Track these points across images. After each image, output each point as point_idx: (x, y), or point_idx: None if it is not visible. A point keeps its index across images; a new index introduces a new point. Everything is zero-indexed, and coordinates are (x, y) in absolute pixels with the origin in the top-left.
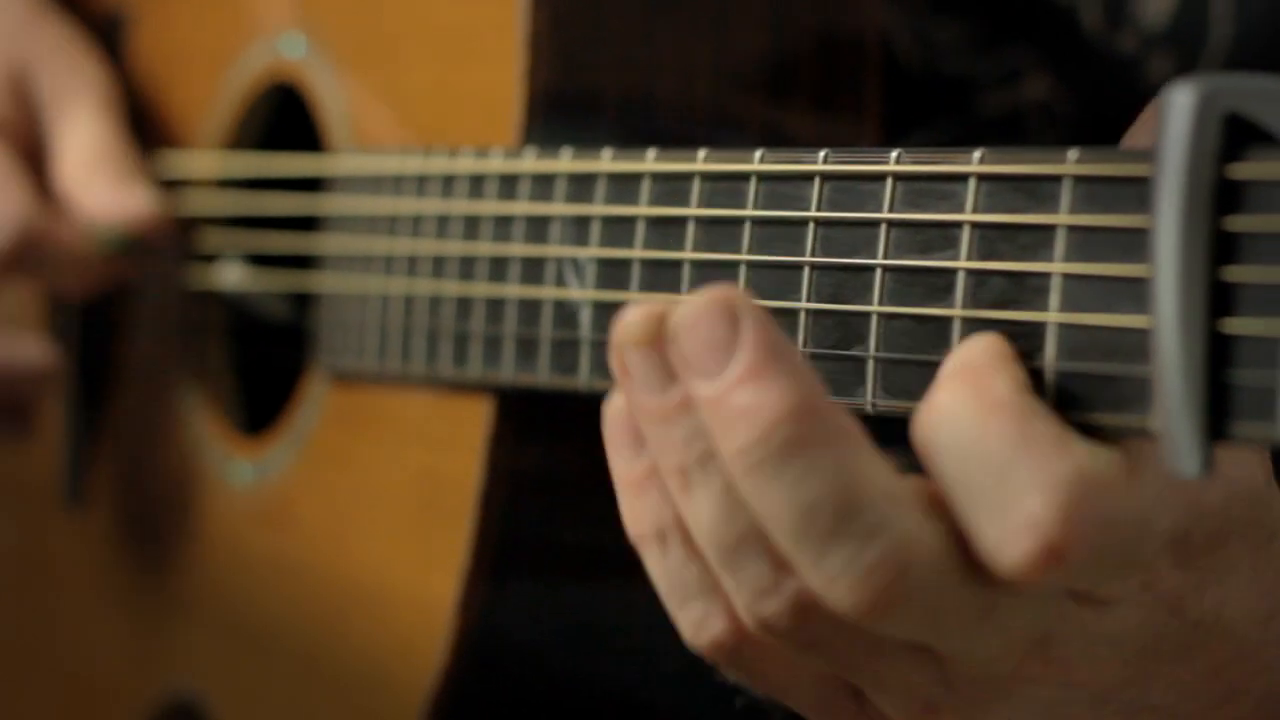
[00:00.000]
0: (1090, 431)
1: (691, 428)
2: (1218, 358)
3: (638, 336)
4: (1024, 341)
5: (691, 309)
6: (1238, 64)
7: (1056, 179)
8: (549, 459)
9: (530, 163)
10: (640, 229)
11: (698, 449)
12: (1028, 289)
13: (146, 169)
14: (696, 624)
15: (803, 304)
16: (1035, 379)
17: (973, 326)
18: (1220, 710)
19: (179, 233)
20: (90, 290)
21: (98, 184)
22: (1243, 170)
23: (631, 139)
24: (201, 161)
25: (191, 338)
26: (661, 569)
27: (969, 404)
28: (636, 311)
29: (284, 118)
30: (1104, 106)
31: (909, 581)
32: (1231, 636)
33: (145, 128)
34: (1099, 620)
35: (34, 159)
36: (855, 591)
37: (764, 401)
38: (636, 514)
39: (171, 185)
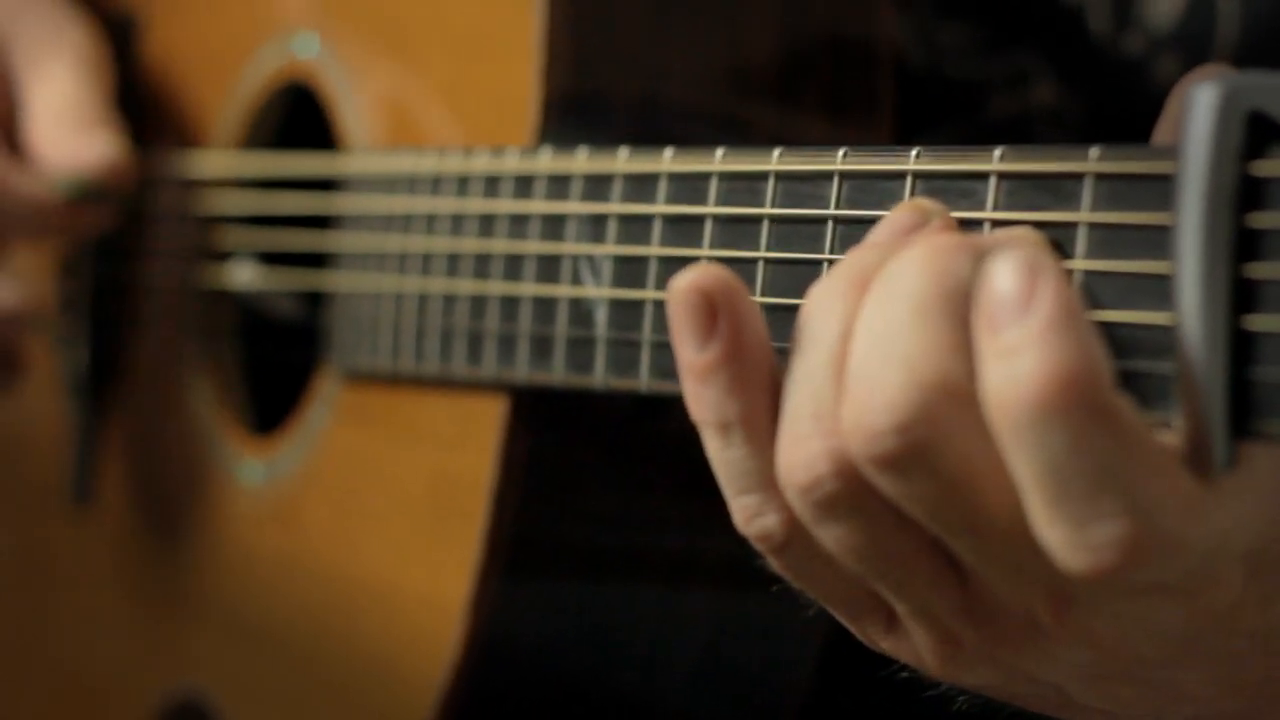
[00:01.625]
0: None
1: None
2: (1241, 355)
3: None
4: None
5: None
6: (1245, 65)
7: (1078, 176)
8: (563, 458)
9: (546, 162)
10: (657, 227)
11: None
12: None
13: (115, 119)
14: (750, 513)
15: None
16: None
17: None
18: (1265, 714)
19: (163, 205)
20: (59, 239)
21: (60, 133)
22: (1265, 168)
23: (645, 139)
24: (215, 161)
25: (203, 336)
26: (721, 458)
27: (1076, 408)
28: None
29: (298, 117)
30: (1111, 108)
31: (921, 430)
32: None
33: (159, 127)
34: (1137, 604)
35: (8, 120)
36: (871, 399)
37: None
38: (701, 400)
39: (185, 185)
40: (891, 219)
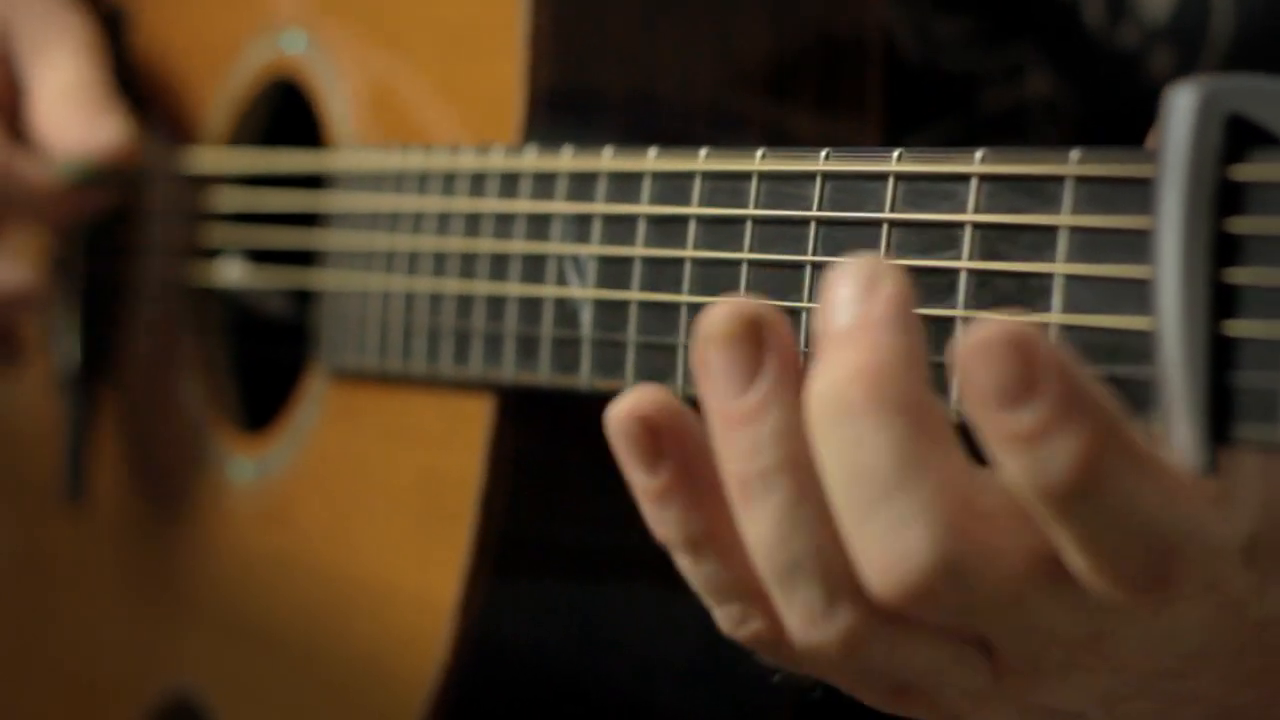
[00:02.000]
0: None
1: (761, 436)
2: (1220, 360)
3: (723, 331)
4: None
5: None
6: (1239, 58)
7: (1059, 179)
8: (550, 458)
9: (531, 160)
10: (641, 227)
11: (766, 459)
12: (1030, 289)
13: (119, 102)
14: (736, 620)
15: (805, 303)
16: None
17: None
18: (1269, 709)
19: (153, 201)
20: (63, 223)
21: (65, 116)
22: (1245, 172)
23: (633, 137)
24: (203, 157)
25: (193, 334)
26: (696, 575)
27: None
28: (724, 306)
29: (286, 113)
30: (1106, 101)
31: (954, 578)
32: None
33: (147, 123)
34: (1157, 615)
35: (12, 106)
36: (886, 568)
37: (849, 359)
38: (664, 523)
39: (173, 181)
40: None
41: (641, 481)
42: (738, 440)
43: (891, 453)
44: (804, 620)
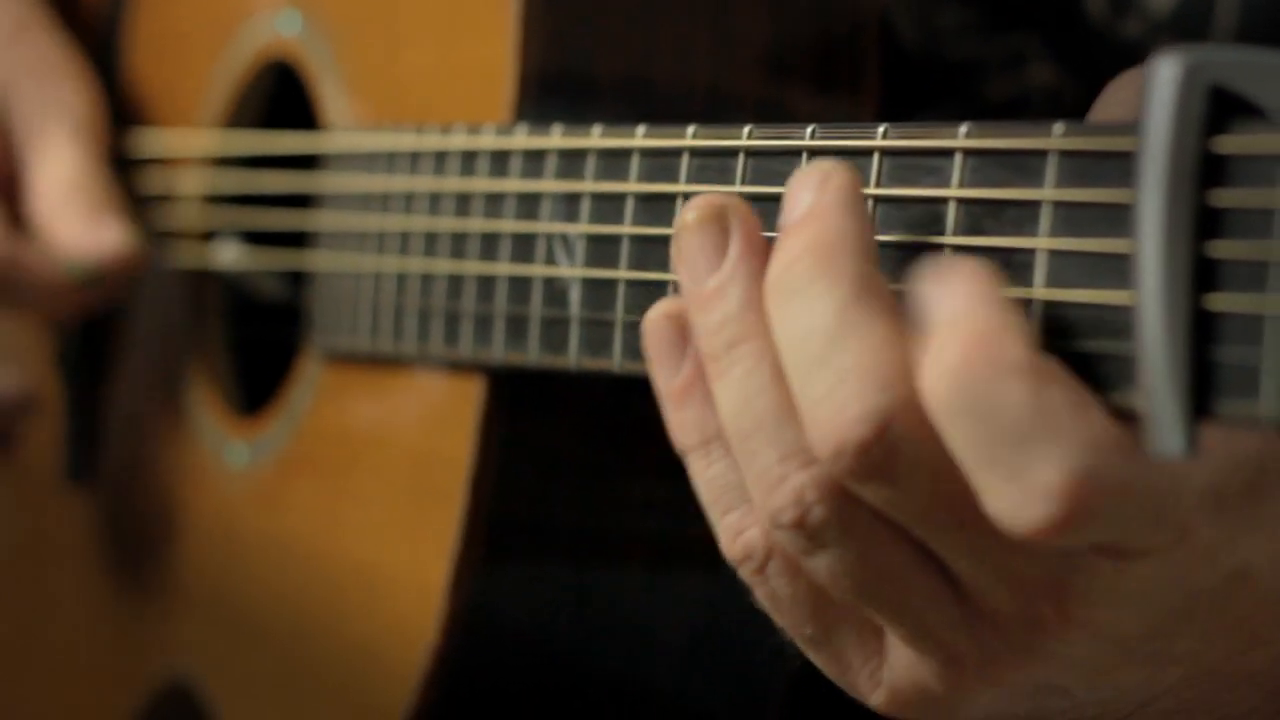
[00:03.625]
0: None
1: (727, 311)
2: (1201, 334)
3: (694, 219)
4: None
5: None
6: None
7: (1042, 153)
8: (541, 439)
9: (521, 139)
10: (629, 205)
11: (730, 332)
12: (1013, 265)
13: (120, 200)
14: (733, 531)
15: None
16: None
17: None
18: (1242, 659)
19: (153, 263)
20: (65, 318)
21: (70, 216)
22: (1228, 144)
23: (626, 118)
24: (199, 139)
25: (190, 316)
26: (705, 478)
27: (983, 368)
28: (695, 199)
29: (283, 95)
30: None
31: (886, 433)
32: (1258, 586)
33: (144, 105)
34: (1124, 572)
35: (7, 184)
36: (822, 428)
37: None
38: (681, 425)
39: (170, 163)
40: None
41: (665, 382)
42: (707, 317)
43: (832, 315)
44: (762, 488)
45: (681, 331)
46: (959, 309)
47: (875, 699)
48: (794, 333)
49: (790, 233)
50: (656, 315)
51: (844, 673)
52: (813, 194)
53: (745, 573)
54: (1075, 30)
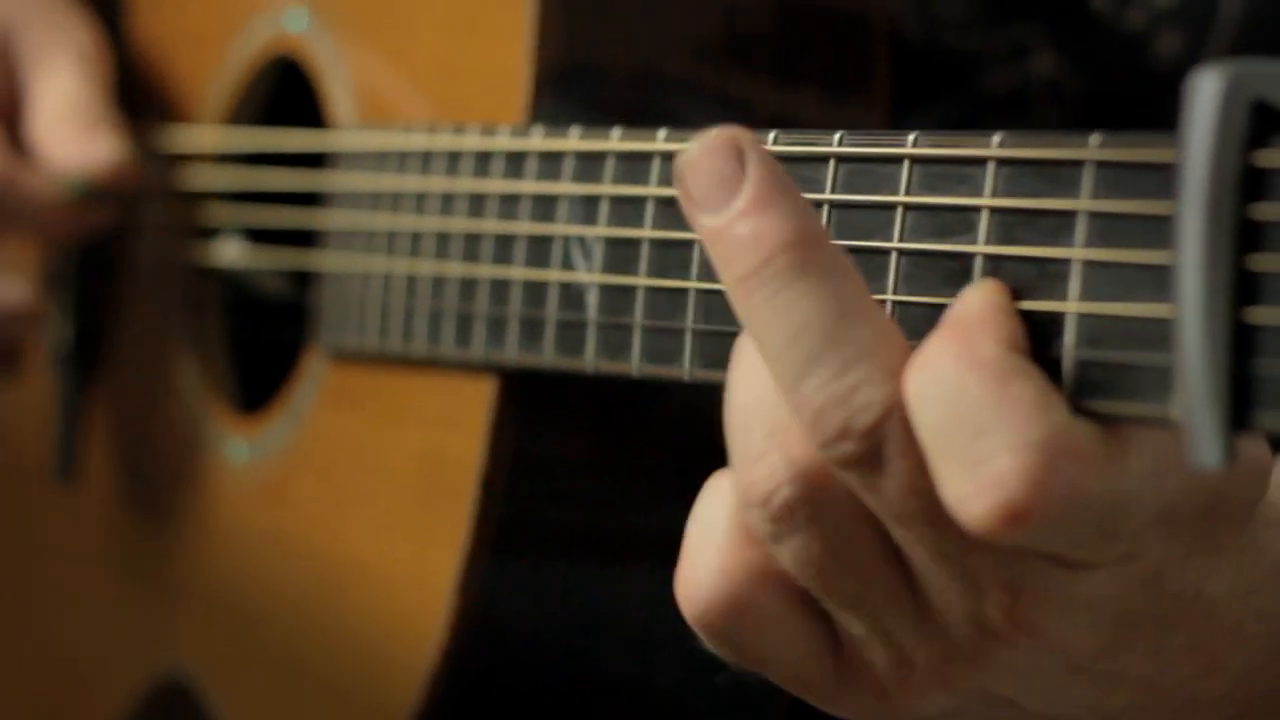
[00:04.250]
0: (1108, 420)
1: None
2: (1241, 347)
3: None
4: (1043, 328)
5: (697, 146)
6: (1247, 40)
7: (1078, 164)
8: (552, 440)
9: (538, 141)
10: (650, 209)
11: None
12: (1047, 275)
13: (118, 119)
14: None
15: None
16: (1053, 367)
17: None
18: (1199, 684)
19: (150, 181)
20: (62, 237)
21: (65, 132)
22: (1269, 158)
23: (638, 117)
24: (204, 136)
25: (190, 313)
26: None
27: (953, 358)
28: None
29: (287, 92)
30: (1112, 83)
31: (884, 425)
32: (1212, 610)
33: (148, 102)
34: (1074, 583)
35: (12, 115)
36: (827, 414)
37: (765, 230)
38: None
39: (173, 159)
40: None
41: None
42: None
43: (831, 306)
44: (743, 462)
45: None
46: (952, 311)
47: (841, 704)
48: (784, 329)
49: (741, 223)
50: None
51: (804, 683)
52: (738, 177)
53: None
54: (1078, 21)
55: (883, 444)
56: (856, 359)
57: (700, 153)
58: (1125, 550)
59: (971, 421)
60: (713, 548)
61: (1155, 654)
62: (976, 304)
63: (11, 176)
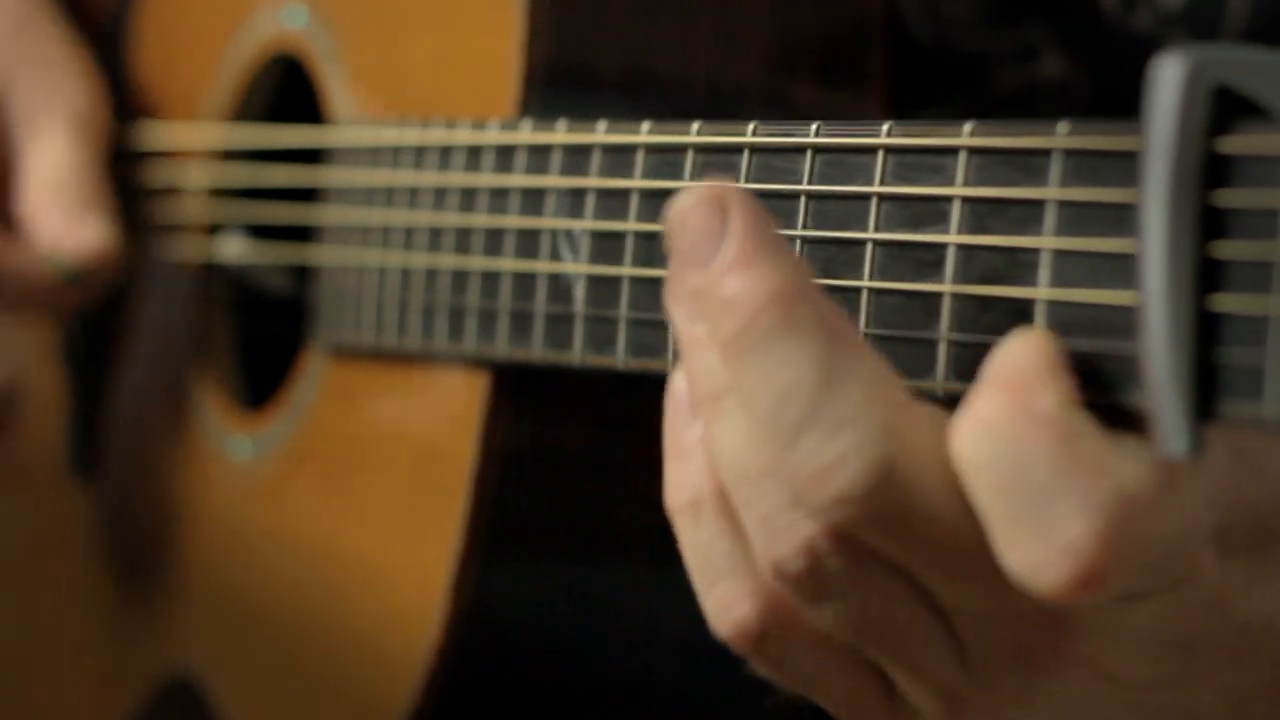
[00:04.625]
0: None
1: (709, 365)
2: (1206, 335)
3: (688, 205)
4: (1013, 317)
5: (682, 201)
6: (1254, 42)
7: (1046, 153)
8: (545, 435)
9: (526, 134)
10: (634, 201)
11: (714, 385)
12: (1018, 264)
13: (108, 199)
14: (723, 606)
15: None
16: None
17: (962, 302)
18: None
19: (151, 245)
20: (47, 316)
21: (53, 212)
22: (1232, 144)
23: (631, 112)
24: (204, 133)
25: (194, 310)
26: (693, 543)
27: (1013, 420)
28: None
29: (289, 88)
30: (1120, 85)
31: (891, 479)
32: None
33: (150, 98)
34: (1125, 613)
35: (3, 183)
36: (824, 478)
37: (750, 288)
38: (677, 482)
39: (174, 156)
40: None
41: (675, 437)
42: (698, 362)
43: (812, 367)
44: (765, 534)
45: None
46: (1003, 363)
47: None
48: (773, 391)
49: (726, 280)
50: (683, 206)
51: (859, 714)
52: (721, 233)
53: (740, 648)
54: (1086, 22)
55: (903, 503)
56: (849, 420)
57: (685, 207)
58: (1179, 575)
59: (1038, 484)
60: (741, 567)
61: (1229, 689)
62: (1029, 357)
63: (4, 258)
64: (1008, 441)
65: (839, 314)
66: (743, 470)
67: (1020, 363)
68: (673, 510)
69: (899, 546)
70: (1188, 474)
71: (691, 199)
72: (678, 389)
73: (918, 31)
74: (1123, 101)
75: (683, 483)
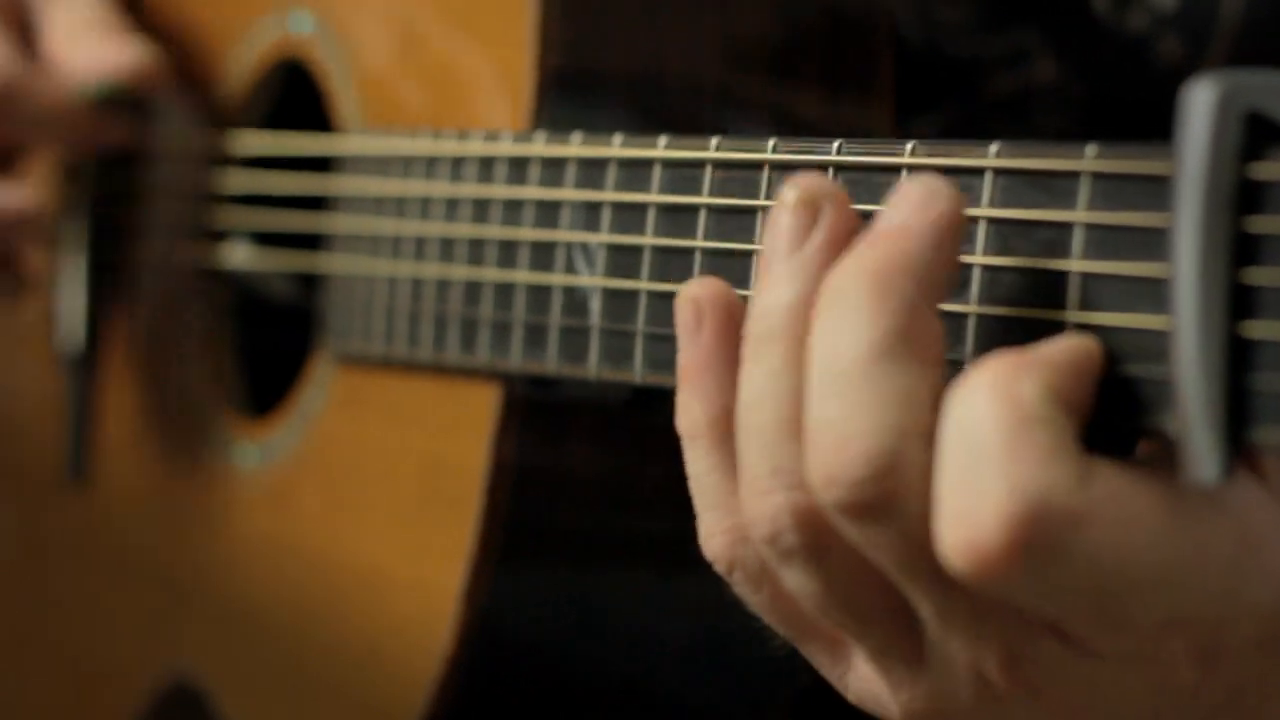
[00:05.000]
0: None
1: (780, 300)
2: (1238, 361)
3: (790, 198)
4: (1039, 340)
5: (684, 289)
6: (1247, 45)
7: (1074, 175)
8: (555, 446)
9: (540, 146)
10: (651, 215)
11: (771, 322)
12: (1045, 286)
13: (134, 28)
14: (705, 534)
15: None
16: None
17: (987, 323)
18: None
19: (170, 89)
20: (79, 145)
21: (86, 41)
22: (1264, 170)
23: (642, 121)
24: (210, 139)
25: (199, 316)
26: (693, 468)
27: (989, 387)
28: (801, 177)
29: (294, 94)
30: (1112, 87)
31: (884, 479)
32: None
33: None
34: (1081, 664)
35: (29, 40)
36: (826, 448)
37: (687, 403)
38: (681, 408)
39: (180, 162)
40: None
41: (687, 354)
42: (763, 298)
43: (867, 342)
44: (748, 490)
45: (699, 316)
46: (1038, 345)
47: (848, 697)
48: (826, 346)
49: (869, 243)
50: (685, 293)
51: (820, 668)
52: (908, 212)
53: (717, 567)
54: (1078, 25)
55: (885, 500)
56: (873, 405)
57: (681, 296)
58: (1138, 648)
59: (981, 454)
60: (725, 503)
61: None
62: (1057, 347)
63: (28, 82)
64: (974, 407)
65: (931, 317)
66: (751, 418)
67: (1046, 348)
68: (680, 431)
69: (877, 542)
70: (1165, 545)
71: (685, 291)
72: (694, 297)
73: (908, 36)
74: (1116, 103)
75: (682, 409)
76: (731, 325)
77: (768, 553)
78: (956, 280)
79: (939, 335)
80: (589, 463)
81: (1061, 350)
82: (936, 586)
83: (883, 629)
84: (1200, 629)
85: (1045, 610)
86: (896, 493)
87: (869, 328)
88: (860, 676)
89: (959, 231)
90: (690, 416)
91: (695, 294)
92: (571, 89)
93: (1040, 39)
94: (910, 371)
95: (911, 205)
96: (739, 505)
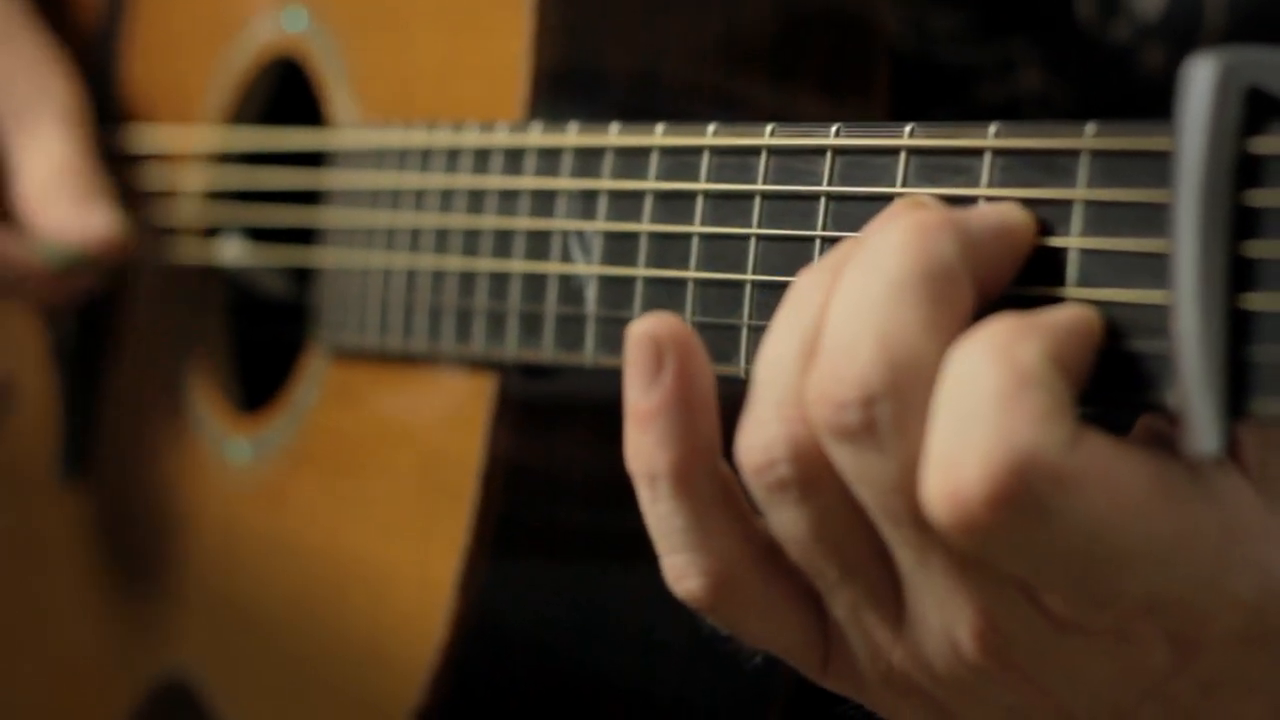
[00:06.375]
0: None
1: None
2: (1238, 334)
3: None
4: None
5: (637, 326)
6: None
7: (1074, 153)
8: (551, 438)
9: (536, 137)
10: (648, 203)
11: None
12: (1045, 264)
13: (109, 188)
14: (676, 576)
15: None
16: None
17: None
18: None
19: (141, 251)
20: (50, 305)
21: (57, 203)
22: (1264, 145)
23: (637, 115)
24: (203, 136)
25: (191, 313)
26: (650, 512)
27: (990, 346)
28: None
29: (288, 91)
30: (1099, 96)
31: (878, 404)
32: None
33: (146, 102)
34: (1055, 635)
35: None
36: (843, 368)
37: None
38: (635, 449)
39: (173, 159)
40: (887, 210)
41: (636, 399)
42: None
43: (898, 276)
44: (749, 425)
45: (659, 357)
46: (1044, 310)
47: (827, 682)
48: (857, 276)
49: (936, 206)
50: (641, 330)
51: (797, 666)
52: (994, 208)
53: (694, 608)
54: (1065, 35)
55: (877, 425)
56: (878, 336)
57: (632, 335)
58: (1116, 625)
59: (975, 409)
60: (695, 544)
61: None
62: (1060, 314)
63: None
64: (973, 362)
65: (966, 298)
66: (776, 352)
67: (1050, 313)
68: (631, 473)
69: (867, 473)
70: (1159, 519)
71: (637, 329)
72: (643, 341)
73: (903, 45)
74: (1102, 111)
75: (639, 452)
76: (692, 364)
77: (756, 485)
78: (1001, 287)
79: (967, 309)
80: (584, 455)
81: (1064, 317)
82: (917, 535)
83: (865, 579)
84: (1180, 614)
85: (1024, 574)
86: (886, 423)
87: (899, 264)
88: (844, 654)
89: (1022, 250)
90: (647, 459)
91: (654, 332)
92: (568, 83)
93: (1027, 49)
94: (925, 318)
95: (1001, 207)
96: (709, 540)
